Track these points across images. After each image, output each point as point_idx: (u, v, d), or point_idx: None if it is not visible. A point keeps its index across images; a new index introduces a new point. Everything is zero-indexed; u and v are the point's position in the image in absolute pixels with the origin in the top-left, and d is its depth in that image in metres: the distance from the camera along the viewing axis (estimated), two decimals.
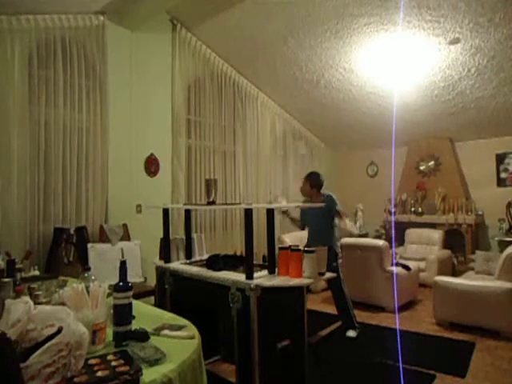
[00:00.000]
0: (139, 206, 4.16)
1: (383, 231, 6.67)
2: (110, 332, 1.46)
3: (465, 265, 5.58)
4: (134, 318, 1.53)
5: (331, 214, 3.60)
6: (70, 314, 1.20)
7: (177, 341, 1.48)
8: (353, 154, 7.58)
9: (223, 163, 5.23)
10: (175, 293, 2.64)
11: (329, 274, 2.35)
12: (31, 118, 3.41)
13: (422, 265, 5.27)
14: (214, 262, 2.45)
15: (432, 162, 6.39)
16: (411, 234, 6.20)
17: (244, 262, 2.25)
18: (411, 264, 4.73)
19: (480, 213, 5.96)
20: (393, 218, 6.40)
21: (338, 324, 3.85)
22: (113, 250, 3.51)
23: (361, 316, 4.17)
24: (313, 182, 3.74)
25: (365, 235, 6.72)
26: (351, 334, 3.64)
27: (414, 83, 4.98)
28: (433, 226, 6.11)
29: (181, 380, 1.24)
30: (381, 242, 4.38)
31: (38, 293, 1.79)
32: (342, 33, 4.28)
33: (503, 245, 5.23)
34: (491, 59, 4.30)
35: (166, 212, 2.83)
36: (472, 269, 4.80)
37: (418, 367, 2.94)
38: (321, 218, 3.61)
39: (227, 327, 2.25)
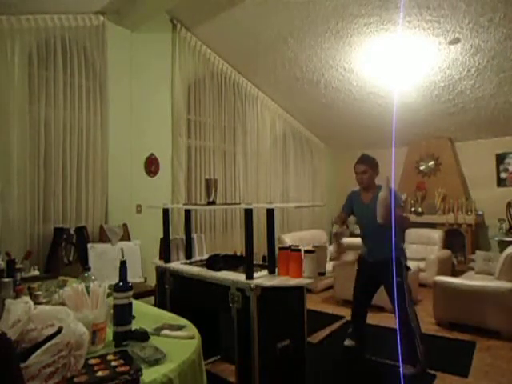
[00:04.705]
0: (139, 206, 4.16)
1: None
2: (110, 332, 1.46)
3: (465, 265, 5.58)
4: (134, 318, 1.53)
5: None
6: (70, 314, 1.20)
7: (177, 341, 1.48)
8: (353, 154, 7.51)
9: (223, 163, 5.23)
10: (175, 293, 2.64)
11: (328, 275, 2.35)
12: (31, 117, 3.41)
13: (422, 265, 5.27)
14: (214, 262, 2.45)
15: (432, 162, 6.38)
16: (411, 233, 6.19)
17: (244, 262, 2.25)
18: (411, 264, 4.72)
19: (480, 213, 5.95)
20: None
21: (339, 324, 3.84)
22: (113, 250, 3.51)
23: None
24: (372, 163, 2.94)
25: None
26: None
27: (413, 83, 4.97)
28: (433, 226, 6.10)
29: (181, 380, 1.24)
30: None
31: (37, 293, 1.79)
32: (342, 33, 4.28)
33: (503, 245, 5.23)
34: (491, 59, 4.30)
35: (166, 212, 2.83)
36: (472, 269, 4.80)
37: None
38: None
39: (227, 327, 2.24)
